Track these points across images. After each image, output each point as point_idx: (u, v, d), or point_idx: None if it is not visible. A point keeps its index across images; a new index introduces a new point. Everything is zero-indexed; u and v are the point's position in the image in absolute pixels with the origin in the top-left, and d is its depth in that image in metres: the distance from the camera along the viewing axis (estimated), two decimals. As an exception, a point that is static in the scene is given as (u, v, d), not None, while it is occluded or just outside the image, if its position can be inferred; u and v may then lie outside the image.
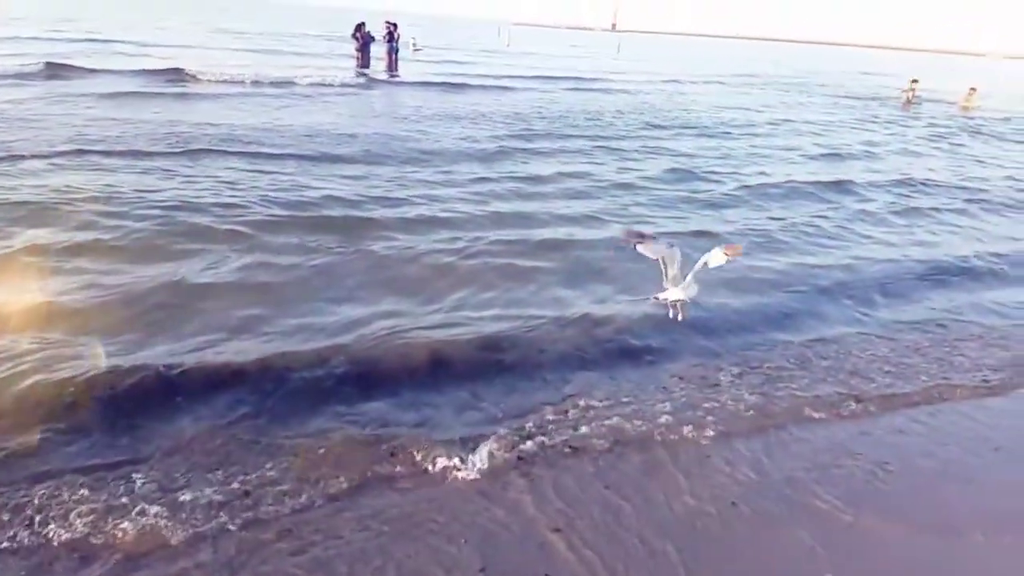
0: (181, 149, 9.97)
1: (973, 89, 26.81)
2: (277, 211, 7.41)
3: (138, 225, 6.62)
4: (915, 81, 26.78)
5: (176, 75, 17.76)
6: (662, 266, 4.19)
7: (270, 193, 8.03)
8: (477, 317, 5.48)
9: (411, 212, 7.88)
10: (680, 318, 4.41)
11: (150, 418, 3.93)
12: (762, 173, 11.64)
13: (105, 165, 8.73)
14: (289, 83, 18.39)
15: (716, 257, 3.97)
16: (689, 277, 4.20)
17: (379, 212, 7.77)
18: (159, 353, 4.51)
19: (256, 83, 17.98)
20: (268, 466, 3.62)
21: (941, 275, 7.27)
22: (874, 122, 20.48)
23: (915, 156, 14.95)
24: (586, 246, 7.22)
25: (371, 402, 4.24)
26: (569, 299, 6.00)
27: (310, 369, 4.47)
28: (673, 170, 11.34)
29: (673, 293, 4.26)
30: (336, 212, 7.61)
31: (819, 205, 9.87)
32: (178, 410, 4.01)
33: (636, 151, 12.92)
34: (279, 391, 4.23)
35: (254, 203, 7.58)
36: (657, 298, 4.34)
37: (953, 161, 14.68)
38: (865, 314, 6.20)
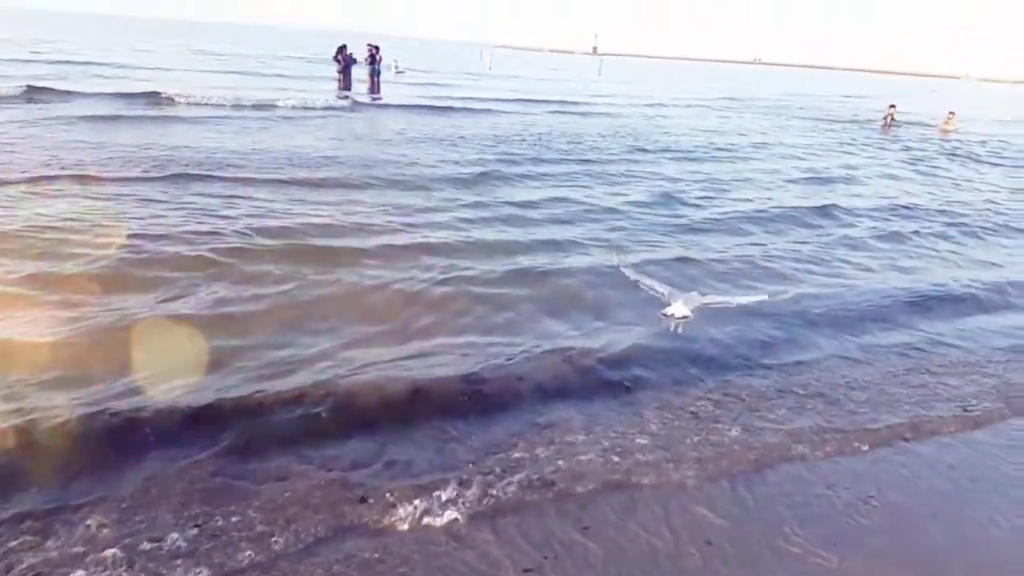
0: (157, 174, 9.82)
1: (952, 113, 27.53)
2: (252, 238, 7.26)
3: (107, 253, 6.45)
4: (892, 106, 27.32)
5: (154, 98, 17.62)
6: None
7: (246, 219, 7.89)
8: (455, 347, 5.37)
9: (389, 239, 7.75)
10: (680, 331, 4.55)
11: (110, 460, 3.76)
12: (745, 199, 11.63)
13: (77, 191, 8.57)
14: (270, 106, 18.34)
15: None
16: (695, 292, 4.36)
17: (357, 239, 7.64)
18: (121, 390, 4.34)
19: (236, 106, 17.87)
20: (234, 510, 3.48)
21: (922, 300, 7.24)
22: (852, 144, 20.67)
23: (894, 180, 15.05)
24: (567, 273, 7.12)
25: (343, 441, 4.10)
26: (549, 328, 5.90)
27: (281, 407, 4.31)
28: (656, 194, 11.30)
29: (679, 309, 4.38)
30: (313, 239, 7.45)
31: (802, 230, 9.86)
32: (139, 451, 3.86)
33: (618, 175, 12.90)
34: (247, 430, 4.07)
35: (229, 230, 7.42)
36: (665, 315, 4.46)
37: (932, 185, 14.80)
38: (847, 341, 6.15)
